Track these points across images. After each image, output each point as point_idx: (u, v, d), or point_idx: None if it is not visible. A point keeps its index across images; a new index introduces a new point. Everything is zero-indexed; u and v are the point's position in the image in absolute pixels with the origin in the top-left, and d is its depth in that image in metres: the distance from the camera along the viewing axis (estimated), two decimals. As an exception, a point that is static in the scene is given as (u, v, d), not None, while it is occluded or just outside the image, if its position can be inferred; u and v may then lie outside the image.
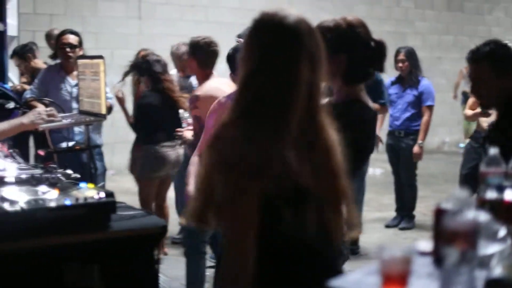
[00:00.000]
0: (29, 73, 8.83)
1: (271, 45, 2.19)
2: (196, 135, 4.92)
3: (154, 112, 6.20)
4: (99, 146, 6.26)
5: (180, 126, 5.90)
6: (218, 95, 4.58)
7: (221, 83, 4.99)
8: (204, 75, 5.17)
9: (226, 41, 5.44)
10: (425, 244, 2.02)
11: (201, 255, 5.20)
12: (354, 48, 2.89)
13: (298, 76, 2.15)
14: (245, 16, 12.95)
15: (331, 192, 2.25)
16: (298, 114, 2.16)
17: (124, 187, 8.38)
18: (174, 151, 6.23)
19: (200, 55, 5.14)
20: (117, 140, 10.07)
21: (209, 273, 5.53)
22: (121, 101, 7.20)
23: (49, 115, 3.57)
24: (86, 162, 5.96)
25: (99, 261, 3.01)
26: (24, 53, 8.73)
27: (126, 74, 6.52)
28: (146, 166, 6.28)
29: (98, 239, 2.94)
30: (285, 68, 2.16)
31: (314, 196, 2.20)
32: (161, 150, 6.19)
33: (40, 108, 3.63)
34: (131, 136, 7.01)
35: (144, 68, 6.30)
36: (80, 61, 4.96)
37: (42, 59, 9.31)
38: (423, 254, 1.98)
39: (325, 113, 2.27)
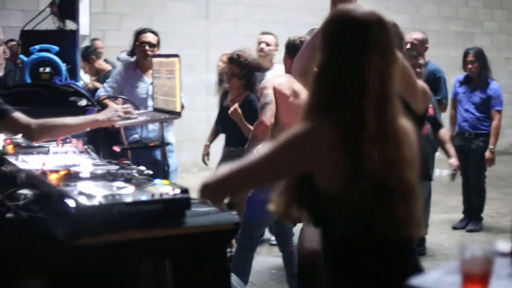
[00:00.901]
0: (94, 74, 8.99)
1: (339, 36, 2.24)
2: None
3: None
4: (171, 144, 6.32)
5: None
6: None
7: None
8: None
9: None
10: (505, 245, 2.00)
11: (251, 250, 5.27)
12: None
13: (367, 66, 2.19)
14: (311, 15, 13.04)
15: (400, 185, 2.24)
16: (371, 103, 2.18)
17: (190, 184, 8.44)
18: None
19: (294, 54, 5.13)
20: (183, 138, 10.15)
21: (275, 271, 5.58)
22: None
23: (125, 112, 3.63)
24: (158, 159, 6.05)
25: (171, 257, 3.05)
26: (88, 55, 8.89)
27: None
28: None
29: (172, 235, 2.98)
30: (353, 58, 2.20)
31: (385, 188, 2.21)
32: (240, 151, 6.19)
33: (117, 105, 3.69)
34: (198, 134, 7.09)
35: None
36: (155, 60, 5.02)
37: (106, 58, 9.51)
38: (502, 255, 1.96)
39: (397, 103, 2.28)
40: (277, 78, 5.23)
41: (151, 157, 5.94)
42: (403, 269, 2.22)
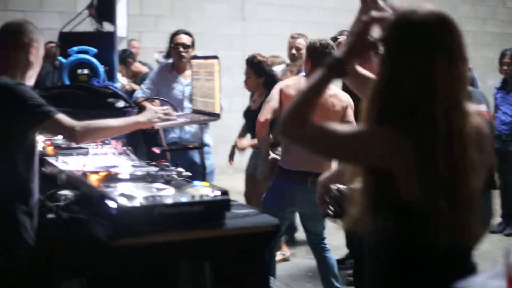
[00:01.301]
0: (131, 77, 9.04)
1: (403, 43, 2.18)
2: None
3: None
4: (208, 145, 6.33)
5: None
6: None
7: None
8: None
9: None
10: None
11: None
12: None
13: (435, 70, 2.13)
14: (344, 16, 12.92)
15: (466, 191, 2.20)
16: (442, 108, 2.13)
17: (226, 186, 8.46)
18: None
19: (314, 57, 5.13)
20: (220, 140, 10.17)
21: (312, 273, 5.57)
22: None
23: (165, 114, 3.64)
24: (195, 161, 6.06)
25: (210, 259, 3.06)
26: (125, 58, 8.93)
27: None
28: (255, 168, 6.31)
29: (212, 236, 2.98)
30: (420, 64, 2.15)
31: (453, 194, 2.18)
32: (275, 153, 6.18)
33: (156, 107, 3.70)
34: (234, 136, 7.09)
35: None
36: (194, 61, 5.03)
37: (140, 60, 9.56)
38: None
39: (468, 105, 2.23)
40: (286, 80, 5.27)
41: (188, 159, 5.95)
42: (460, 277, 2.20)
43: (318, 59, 5.06)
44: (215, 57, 4.55)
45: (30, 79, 3.49)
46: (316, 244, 5.29)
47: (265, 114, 5.07)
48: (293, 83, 5.12)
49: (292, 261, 6.59)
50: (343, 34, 5.68)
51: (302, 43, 6.78)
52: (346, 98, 5.06)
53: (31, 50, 3.42)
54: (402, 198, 2.18)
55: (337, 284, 5.15)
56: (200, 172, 5.14)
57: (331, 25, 12.50)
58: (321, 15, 12.69)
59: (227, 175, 10.85)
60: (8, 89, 3.25)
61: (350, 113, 5.03)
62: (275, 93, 5.12)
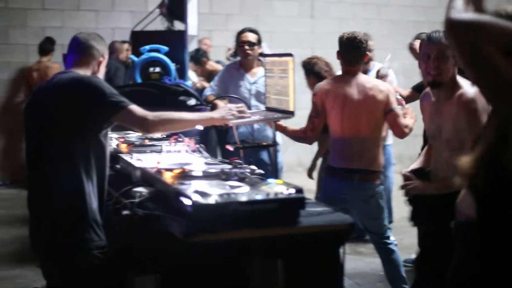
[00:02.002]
0: (206, 76, 9.10)
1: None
2: (311, 119, 5.11)
3: None
4: (278, 143, 6.32)
5: None
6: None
7: (348, 83, 4.98)
8: (344, 71, 5.10)
9: (397, 38, 5.41)
10: None
11: None
12: None
13: None
14: (415, 13, 12.79)
15: None
16: None
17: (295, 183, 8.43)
18: None
19: (342, 50, 5.08)
20: (288, 138, 10.16)
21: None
22: None
23: (239, 111, 3.64)
24: (263, 159, 6.06)
25: (284, 256, 3.04)
26: (199, 58, 8.99)
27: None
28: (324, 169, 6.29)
29: (286, 234, 2.96)
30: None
31: None
32: None
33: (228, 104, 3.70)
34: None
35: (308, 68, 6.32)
36: (268, 59, 5.02)
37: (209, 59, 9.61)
38: None
39: None
40: (323, 83, 5.19)
41: (256, 157, 5.95)
42: None
43: (345, 53, 5.01)
44: (290, 55, 4.53)
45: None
46: (379, 243, 5.22)
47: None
48: (330, 87, 5.07)
49: (363, 260, 6.53)
50: (420, 37, 5.59)
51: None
52: (386, 87, 5.04)
53: (101, 65, 3.60)
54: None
55: (403, 285, 5.08)
56: (268, 170, 5.14)
57: (404, 22, 12.40)
58: (394, 12, 12.55)
59: (296, 173, 10.82)
60: (83, 81, 3.34)
61: (393, 100, 4.98)
62: (314, 100, 5.13)
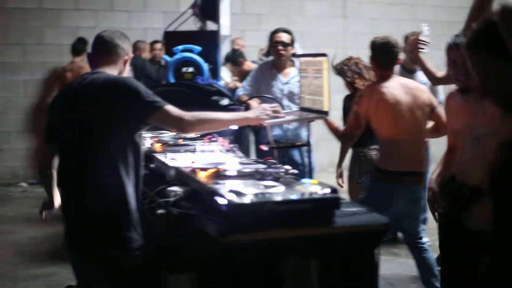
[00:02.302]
0: (243, 76, 9.12)
1: None
2: (350, 128, 5.14)
3: None
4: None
5: None
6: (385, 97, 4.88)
7: (393, 86, 4.96)
8: (379, 75, 5.09)
9: (430, 39, 5.37)
10: None
11: None
12: None
13: None
14: (448, 14, 12.67)
15: None
16: None
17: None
18: None
19: (375, 55, 5.07)
20: (320, 138, 10.13)
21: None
22: None
23: (273, 111, 3.63)
24: (295, 159, 6.05)
25: (318, 256, 3.03)
26: (235, 58, 9.01)
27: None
28: (354, 168, 6.27)
29: (320, 234, 2.96)
30: None
31: None
32: (368, 153, 6.11)
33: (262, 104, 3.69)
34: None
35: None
36: (302, 59, 5.01)
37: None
38: None
39: None
40: (364, 91, 5.17)
41: (289, 156, 5.95)
42: None
43: (380, 57, 5.00)
44: (324, 55, 4.52)
45: None
46: (413, 243, 5.21)
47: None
48: (382, 90, 5.05)
49: (395, 261, 6.50)
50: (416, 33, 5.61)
51: None
52: (424, 86, 5.15)
53: (127, 63, 3.60)
54: None
55: (437, 285, 5.05)
56: (300, 170, 5.13)
57: (437, 23, 12.29)
58: (427, 12, 12.47)
59: (328, 173, 10.79)
60: (119, 82, 3.34)
61: (435, 99, 5.05)
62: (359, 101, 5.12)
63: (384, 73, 5.03)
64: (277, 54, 6.44)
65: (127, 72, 3.62)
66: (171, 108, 3.33)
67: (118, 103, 3.28)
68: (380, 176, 5.07)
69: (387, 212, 4.89)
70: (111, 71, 3.49)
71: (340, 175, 5.60)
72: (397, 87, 4.96)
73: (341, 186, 5.42)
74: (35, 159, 10.79)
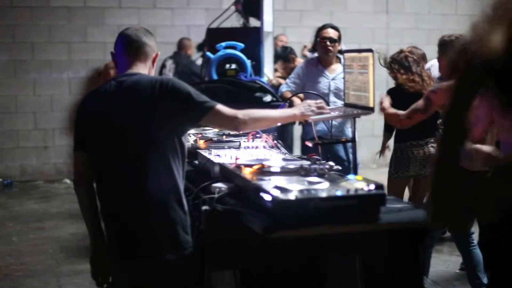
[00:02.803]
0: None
1: None
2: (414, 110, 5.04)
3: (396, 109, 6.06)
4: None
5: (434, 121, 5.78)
6: None
7: None
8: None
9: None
10: None
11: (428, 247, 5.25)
12: None
13: None
14: (496, 8, 12.40)
15: None
16: None
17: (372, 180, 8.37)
18: (422, 150, 5.99)
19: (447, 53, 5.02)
20: (363, 134, 10.10)
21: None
22: None
23: (318, 107, 3.61)
24: (340, 155, 6.03)
25: (362, 253, 3.02)
26: (287, 55, 9.01)
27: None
28: (392, 164, 6.22)
29: (365, 231, 2.94)
30: None
31: None
32: (405, 149, 6.05)
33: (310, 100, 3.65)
34: (377, 130, 6.99)
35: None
36: (347, 55, 5.00)
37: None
38: None
39: None
40: (446, 84, 5.11)
41: (333, 152, 5.93)
42: None
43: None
44: (370, 50, 4.50)
45: None
46: (462, 239, 5.16)
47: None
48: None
49: (439, 258, 6.44)
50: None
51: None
52: None
53: (155, 62, 3.51)
54: None
55: (484, 281, 5.00)
56: (345, 166, 5.10)
57: (480, 17, 12.16)
58: (471, 7, 12.33)
59: (370, 169, 10.77)
60: (166, 84, 3.25)
61: None
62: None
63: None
64: (325, 50, 6.43)
65: (153, 71, 3.51)
66: (223, 108, 3.30)
67: (169, 106, 3.21)
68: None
69: None
70: (143, 71, 3.39)
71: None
72: None
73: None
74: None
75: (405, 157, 5.90)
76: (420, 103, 4.93)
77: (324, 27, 6.52)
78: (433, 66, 6.55)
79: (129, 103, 3.26)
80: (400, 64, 5.90)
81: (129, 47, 3.41)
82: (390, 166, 6.12)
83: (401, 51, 6.06)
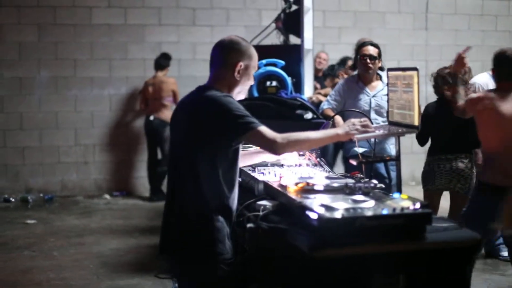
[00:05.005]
0: None
1: None
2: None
3: (431, 123, 6.06)
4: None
5: (467, 138, 5.82)
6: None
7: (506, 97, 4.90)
8: (498, 86, 5.03)
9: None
10: None
11: None
12: None
13: None
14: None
15: None
16: None
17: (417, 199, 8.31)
18: (449, 164, 6.00)
19: (501, 67, 4.99)
20: (402, 151, 10.05)
21: None
22: None
23: (363, 126, 3.60)
24: (381, 172, 6.01)
25: (406, 272, 3.00)
26: (335, 72, 9.03)
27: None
28: (422, 177, 6.20)
29: (411, 250, 2.92)
30: None
31: None
32: (432, 162, 6.04)
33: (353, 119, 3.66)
34: (416, 147, 6.96)
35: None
36: (391, 73, 4.99)
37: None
38: None
39: None
40: (477, 96, 5.12)
41: (375, 170, 5.91)
42: None
43: (497, 68, 4.94)
44: (414, 69, 4.49)
45: (238, 95, 3.56)
46: None
47: None
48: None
49: (480, 277, 6.36)
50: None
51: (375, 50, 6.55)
52: None
53: (237, 69, 3.46)
54: None
55: None
56: (386, 184, 5.08)
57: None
58: (511, 24, 12.24)
59: (409, 186, 10.69)
60: (215, 100, 3.33)
61: None
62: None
63: (500, 84, 4.99)
64: (365, 67, 6.42)
65: (243, 90, 3.58)
66: (265, 130, 3.32)
67: (214, 121, 3.31)
68: (480, 188, 5.04)
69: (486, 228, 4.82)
70: (218, 85, 3.48)
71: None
72: (509, 99, 4.89)
73: None
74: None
75: (431, 171, 5.94)
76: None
77: (364, 44, 6.53)
78: (476, 82, 6.54)
79: (183, 114, 3.51)
80: (445, 79, 5.99)
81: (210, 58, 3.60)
82: (425, 180, 6.14)
83: (445, 68, 6.13)
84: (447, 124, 6.01)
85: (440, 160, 5.99)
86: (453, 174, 5.99)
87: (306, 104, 6.17)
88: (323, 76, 9.04)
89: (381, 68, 6.55)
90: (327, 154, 8.36)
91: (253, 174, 3.86)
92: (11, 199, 10.49)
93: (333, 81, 8.91)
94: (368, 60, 6.40)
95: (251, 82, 3.60)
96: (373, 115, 6.32)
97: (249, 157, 3.92)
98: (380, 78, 6.52)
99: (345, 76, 8.64)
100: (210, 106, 3.33)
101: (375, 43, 6.53)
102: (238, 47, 3.50)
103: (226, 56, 3.48)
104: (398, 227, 2.82)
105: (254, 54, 3.54)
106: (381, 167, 6.16)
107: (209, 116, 3.31)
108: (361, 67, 6.49)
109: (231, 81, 3.48)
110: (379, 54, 6.48)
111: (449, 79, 5.86)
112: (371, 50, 6.42)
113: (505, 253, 6.74)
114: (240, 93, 3.56)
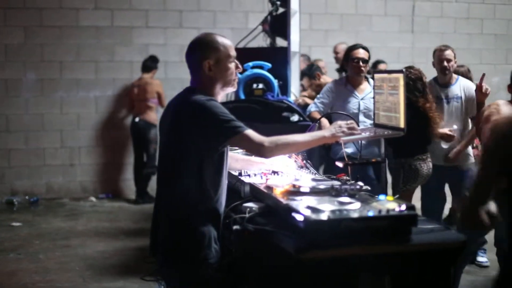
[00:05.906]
0: (317, 90, 9.11)
1: None
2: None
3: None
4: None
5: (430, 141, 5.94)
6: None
7: None
8: None
9: (500, 53, 5.31)
10: None
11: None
12: None
13: None
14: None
15: None
16: None
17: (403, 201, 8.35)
18: (425, 164, 6.09)
19: None
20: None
21: None
22: None
23: (349, 128, 3.60)
24: (368, 175, 6.02)
25: (392, 274, 3.01)
26: (312, 72, 9.02)
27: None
28: (398, 178, 6.23)
29: (397, 252, 2.94)
30: None
31: None
32: (414, 163, 6.08)
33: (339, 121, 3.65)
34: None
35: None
36: (377, 76, 5.01)
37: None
38: None
39: None
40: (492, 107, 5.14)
41: (362, 172, 5.92)
42: None
43: None
44: (400, 71, 4.51)
45: (226, 89, 3.53)
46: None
47: None
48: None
49: (465, 279, 6.39)
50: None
51: (451, 54, 6.53)
52: None
53: (206, 68, 3.43)
54: None
55: None
56: (374, 186, 5.09)
57: (508, 36, 12.13)
58: (497, 26, 12.30)
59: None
60: (199, 105, 3.30)
61: None
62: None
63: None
64: (357, 70, 6.43)
65: (223, 89, 3.52)
66: (252, 133, 3.32)
67: (199, 126, 3.30)
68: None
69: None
70: (201, 86, 3.45)
71: None
72: None
73: None
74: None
75: (414, 170, 5.99)
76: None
77: (355, 47, 6.53)
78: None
79: (167, 116, 3.50)
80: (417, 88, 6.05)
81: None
82: (397, 180, 6.15)
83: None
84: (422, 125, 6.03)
85: (419, 160, 6.08)
86: (429, 173, 6.14)
87: (293, 107, 6.18)
88: (301, 74, 9.03)
89: (369, 72, 6.59)
90: (312, 156, 8.36)
91: (239, 176, 3.86)
92: (-4, 201, 10.46)
93: (310, 81, 8.91)
94: (361, 63, 6.41)
95: (233, 71, 3.53)
96: (361, 117, 6.33)
97: (241, 161, 3.93)
98: (368, 81, 6.54)
99: (322, 77, 8.67)
100: (194, 111, 3.31)
101: (365, 46, 6.55)
102: (199, 47, 3.47)
103: (192, 60, 3.48)
104: (384, 229, 2.83)
105: (221, 44, 3.47)
106: (369, 169, 6.18)
107: (194, 121, 3.30)
108: (352, 70, 6.48)
109: (208, 80, 3.44)
110: (369, 58, 6.52)
111: (419, 85, 5.98)
112: (363, 54, 6.44)
113: (481, 259, 6.81)
114: (226, 87, 3.51)
